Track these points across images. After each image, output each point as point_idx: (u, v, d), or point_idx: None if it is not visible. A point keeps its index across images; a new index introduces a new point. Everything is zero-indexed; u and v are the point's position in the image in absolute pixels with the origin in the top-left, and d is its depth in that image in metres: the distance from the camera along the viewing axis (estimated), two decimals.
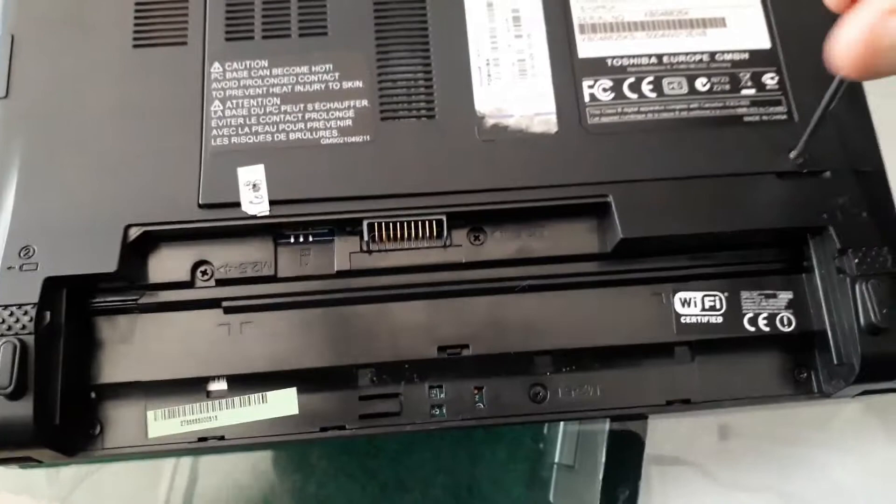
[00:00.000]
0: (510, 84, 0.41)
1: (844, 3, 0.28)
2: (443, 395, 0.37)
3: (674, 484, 0.46)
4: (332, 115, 0.39)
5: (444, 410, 0.37)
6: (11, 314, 0.34)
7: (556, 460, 0.46)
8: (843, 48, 0.27)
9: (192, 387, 0.37)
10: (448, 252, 0.38)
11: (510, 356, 0.38)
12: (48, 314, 0.34)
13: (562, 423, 0.47)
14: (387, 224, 0.37)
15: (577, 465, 0.46)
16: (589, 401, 0.38)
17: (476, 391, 0.38)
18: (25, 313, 0.34)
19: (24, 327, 0.34)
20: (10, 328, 0.34)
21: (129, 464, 0.45)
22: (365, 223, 0.37)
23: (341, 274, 0.38)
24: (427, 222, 0.37)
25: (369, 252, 0.38)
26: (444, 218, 0.37)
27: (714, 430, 0.47)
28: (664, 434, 0.46)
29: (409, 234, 0.37)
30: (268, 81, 0.40)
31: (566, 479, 0.46)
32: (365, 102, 0.39)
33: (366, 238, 0.37)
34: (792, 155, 0.39)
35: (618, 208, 0.37)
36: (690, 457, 0.47)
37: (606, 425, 0.43)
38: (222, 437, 0.36)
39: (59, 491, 0.45)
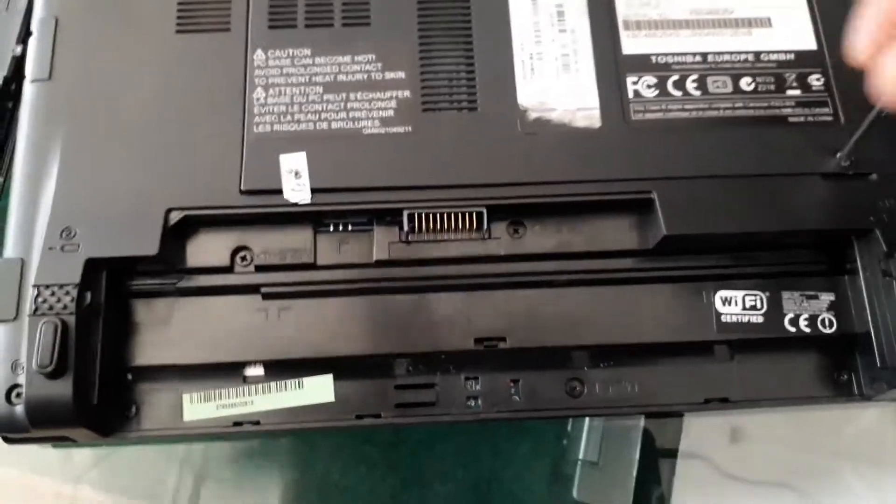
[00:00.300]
0: (553, 78, 0.41)
1: (872, 47, 0.29)
2: (478, 387, 0.37)
3: (687, 479, 0.45)
4: (374, 105, 0.39)
5: (480, 402, 0.37)
6: (53, 294, 0.34)
7: (581, 457, 0.46)
8: (888, 85, 0.28)
9: (228, 371, 0.37)
10: (487, 244, 0.38)
11: (547, 350, 0.37)
12: (89, 295, 0.34)
13: (587, 419, 0.46)
14: (427, 215, 0.37)
15: (602, 461, 0.46)
16: (626, 397, 0.37)
17: (512, 384, 0.37)
18: (67, 293, 0.34)
19: (65, 307, 0.34)
20: (51, 308, 0.34)
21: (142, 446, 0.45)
22: (405, 213, 0.37)
23: (380, 263, 0.38)
24: (467, 214, 0.37)
25: (408, 242, 0.37)
26: (485, 210, 0.37)
27: (726, 431, 0.47)
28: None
29: (449, 225, 0.37)
30: (310, 70, 0.40)
31: (591, 476, 0.45)
32: (407, 93, 0.39)
33: (405, 228, 0.37)
34: (838, 157, 0.38)
35: (661, 205, 0.37)
36: (703, 453, 0.46)
37: (641, 422, 0.43)
38: (257, 423, 0.36)
39: (72, 471, 0.44)
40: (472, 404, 0.37)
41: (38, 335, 0.33)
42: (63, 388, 0.33)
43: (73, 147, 0.37)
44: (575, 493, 0.45)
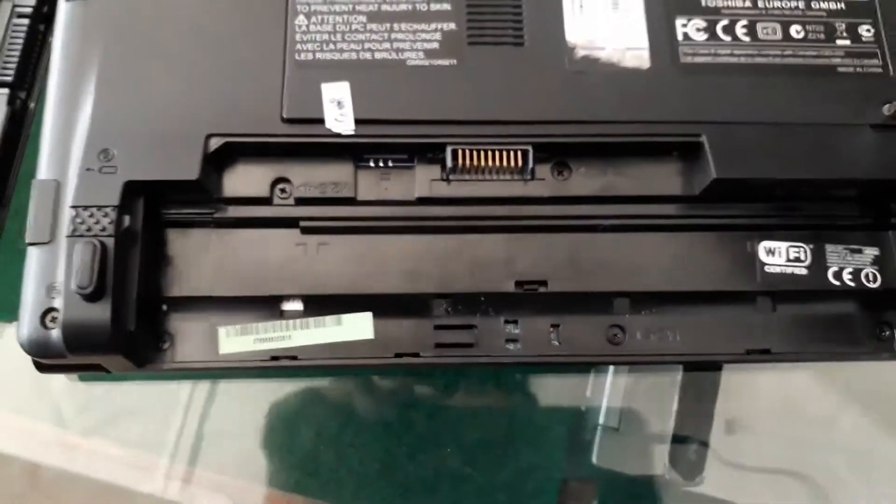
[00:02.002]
0: (602, 16, 0.40)
1: None
2: (518, 330, 0.36)
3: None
4: (419, 36, 0.38)
5: (519, 345, 0.36)
6: (91, 215, 0.33)
7: (601, 422, 0.45)
8: None
9: (265, 305, 0.36)
10: (531, 186, 0.37)
11: (588, 296, 0.37)
12: (127, 218, 0.33)
13: (608, 385, 0.46)
14: (470, 152, 0.36)
15: (623, 427, 0.45)
16: (667, 346, 0.37)
17: (552, 329, 0.37)
18: (105, 215, 0.33)
19: (103, 229, 0.33)
20: (89, 229, 0.33)
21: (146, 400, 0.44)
22: (448, 149, 0.36)
23: (421, 201, 0.37)
24: (512, 152, 0.36)
25: (450, 180, 0.36)
26: (530, 149, 0.36)
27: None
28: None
29: (493, 164, 0.36)
30: None
31: (611, 442, 0.45)
32: (452, 26, 0.38)
33: (448, 165, 0.36)
34: (886, 108, 0.37)
35: (711, 148, 0.36)
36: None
37: (679, 376, 0.42)
38: (295, 357, 0.35)
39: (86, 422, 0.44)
40: (512, 347, 0.36)
41: (76, 256, 0.32)
42: (101, 312, 0.32)
43: (111, 69, 0.36)
44: (594, 459, 0.44)
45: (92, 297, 0.31)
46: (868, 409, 0.46)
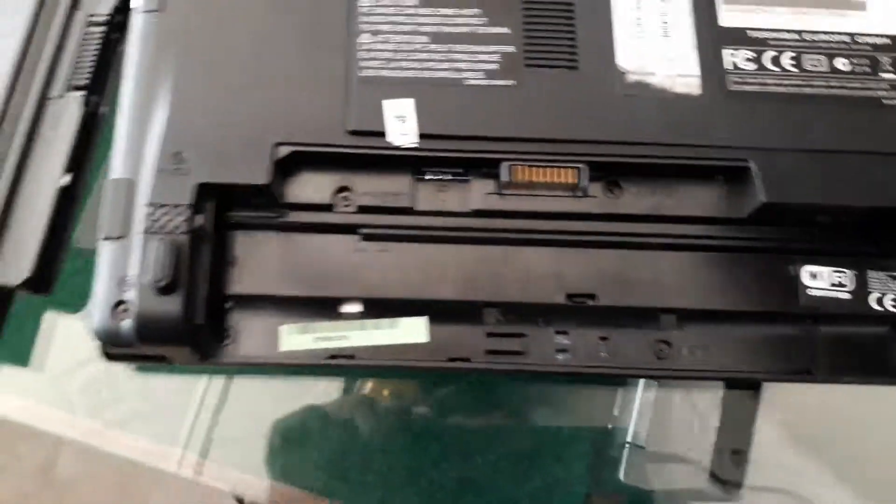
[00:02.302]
0: (652, 44, 0.41)
1: None
2: (567, 341, 0.38)
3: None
4: (478, 57, 0.40)
5: (569, 356, 0.37)
6: (166, 213, 0.35)
7: (629, 440, 0.46)
8: None
9: (324, 306, 0.37)
10: (583, 202, 0.39)
11: (636, 310, 0.38)
12: (199, 217, 0.35)
13: (637, 403, 0.47)
14: (525, 168, 0.37)
15: (650, 444, 0.46)
16: (711, 363, 0.38)
17: (601, 341, 0.38)
18: (179, 214, 0.35)
19: (177, 227, 0.34)
20: (163, 226, 0.34)
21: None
22: (503, 165, 0.37)
23: (476, 213, 0.38)
24: (565, 170, 0.37)
25: (504, 195, 0.38)
26: (583, 168, 0.37)
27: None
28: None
29: (546, 180, 0.38)
30: (416, 20, 0.40)
31: (639, 459, 0.46)
32: (511, 49, 0.40)
33: (503, 180, 0.37)
34: None
35: (759, 173, 0.37)
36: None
37: (711, 393, 0.43)
38: (352, 357, 0.36)
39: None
40: (561, 357, 0.37)
41: (152, 251, 0.33)
42: (173, 305, 0.33)
43: (185, 76, 0.38)
44: (621, 476, 0.45)
45: (165, 290, 0.33)
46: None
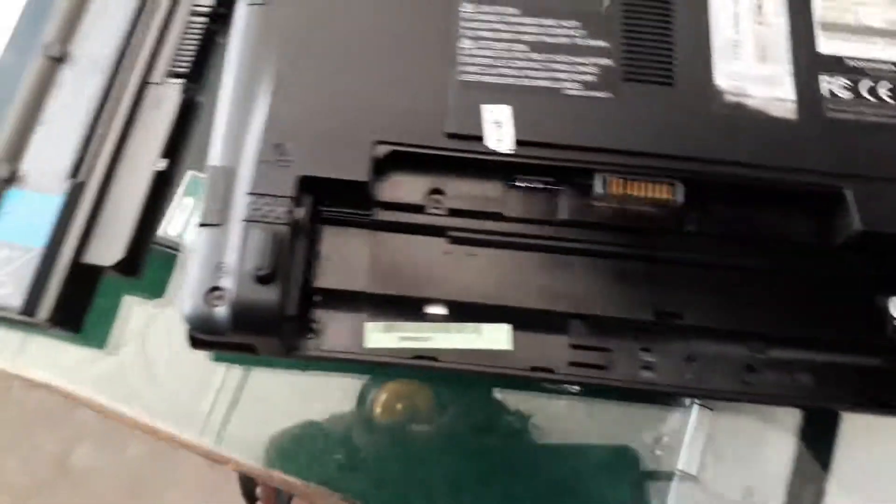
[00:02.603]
0: (749, 66, 0.41)
1: None
2: (652, 358, 0.37)
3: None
4: (576, 68, 0.40)
5: (653, 373, 0.37)
6: (268, 203, 0.35)
7: (680, 468, 0.45)
8: None
9: (410, 306, 0.37)
10: (675, 219, 0.39)
11: (723, 332, 0.38)
12: (300, 210, 0.35)
13: (690, 429, 0.46)
14: (619, 181, 0.37)
15: (701, 475, 0.45)
16: (797, 388, 0.38)
17: (686, 361, 0.37)
18: (281, 205, 0.35)
19: (278, 217, 0.35)
20: (265, 216, 0.35)
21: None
22: (598, 176, 0.37)
23: (566, 223, 0.38)
24: (660, 185, 0.37)
25: (596, 206, 0.38)
26: (677, 184, 0.37)
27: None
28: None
29: (641, 194, 0.37)
30: (517, 28, 0.41)
31: (689, 490, 0.45)
32: (609, 62, 0.40)
33: (597, 191, 0.37)
34: None
35: (856, 201, 0.37)
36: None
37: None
38: (435, 359, 0.36)
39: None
40: (645, 374, 0.37)
41: (254, 239, 0.34)
42: (270, 294, 0.34)
43: (287, 69, 0.38)
44: None
45: (265, 279, 0.33)
46: None
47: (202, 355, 0.44)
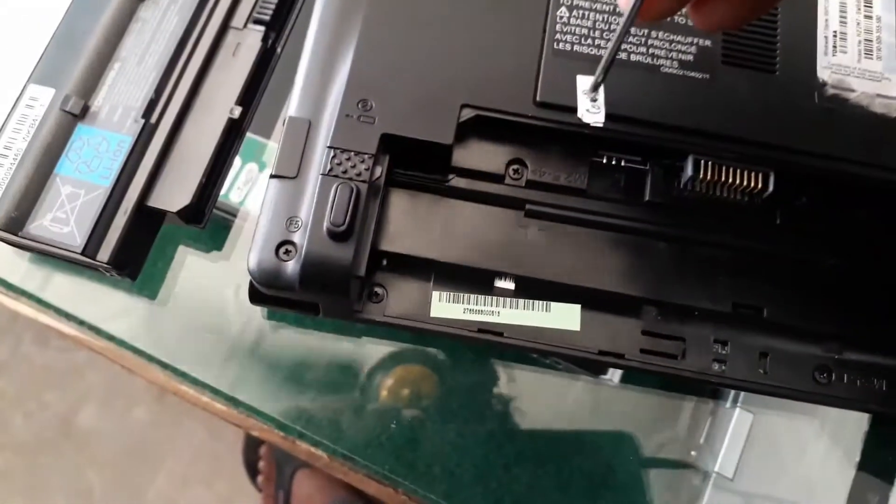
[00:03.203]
0: (854, 60, 0.39)
1: None
2: (726, 351, 0.36)
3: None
4: (675, 46, 0.38)
5: (725, 367, 0.35)
6: (349, 159, 0.34)
7: (716, 470, 0.44)
8: None
9: (479, 278, 0.36)
10: (765, 210, 0.37)
11: (802, 330, 0.36)
12: (380, 168, 0.34)
13: (730, 429, 0.44)
14: (712, 165, 0.35)
15: (738, 479, 0.44)
16: (871, 394, 0.36)
17: (761, 357, 0.36)
18: (362, 161, 0.34)
19: (359, 174, 0.33)
20: (345, 171, 0.33)
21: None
22: (690, 158, 0.35)
23: (649, 205, 0.37)
24: (753, 173, 0.36)
25: (684, 189, 0.36)
26: (772, 174, 0.35)
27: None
28: None
29: (732, 181, 0.36)
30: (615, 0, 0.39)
31: (724, 492, 0.43)
32: (708, 42, 0.38)
33: (688, 174, 0.35)
34: None
35: None
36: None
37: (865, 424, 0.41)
38: (501, 334, 0.35)
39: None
40: (717, 367, 0.36)
41: (334, 195, 0.32)
42: (345, 252, 0.32)
43: (376, 22, 0.37)
44: None
45: (341, 236, 0.32)
46: None
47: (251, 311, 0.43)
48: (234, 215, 0.44)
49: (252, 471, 0.84)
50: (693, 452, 0.44)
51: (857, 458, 0.42)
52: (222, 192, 0.42)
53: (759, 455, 0.44)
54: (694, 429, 0.44)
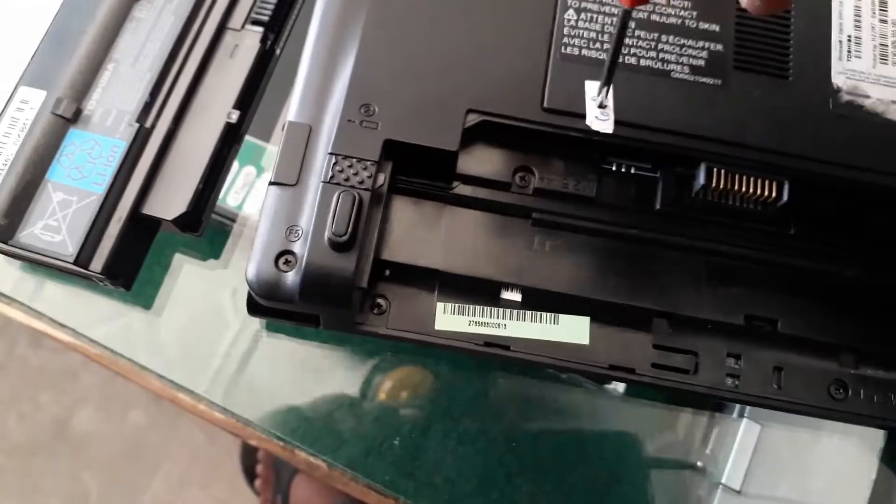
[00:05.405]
0: (869, 65, 0.38)
1: None
2: (739, 366, 0.35)
3: None
4: (685, 51, 0.37)
5: (738, 382, 0.34)
6: (351, 166, 0.32)
7: (723, 481, 0.43)
8: None
9: (485, 289, 0.35)
10: (779, 220, 0.36)
11: (817, 344, 0.35)
12: (383, 176, 0.33)
13: (738, 440, 0.43)
14: (725, 173, 0.34)
15: (746, 490, 0.43)
16: (890, 410, 0.35)
17: (775, 371, 0.35)
18: (365, 168, 0.32)
19: (361, 182, 0.32)
20: (347, 179, 0.32)
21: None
22: (703, 166, 0.34)
23: (660, 214, 0.35)
24: (768, 182, 0.34)
25: (695, 197, 0.35)
26: (787, 183, 0.34)
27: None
28: None
29: (744, 190, 0.35)
30: None
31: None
32: (720, 47, 0.37)
33: (700, 183, 0.34)
34: None
35: None
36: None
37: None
38: (508, 347, 0.34)
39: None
40: (730, 382, 0.34)
41: (335, 203, 0.31)
42: (347, 263, 0.31)
43: (378, 27, 0.36)
44: None
45: (343, 246, 0.31)
46: None
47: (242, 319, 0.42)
48: (232, 220, 0.43)
49: (250, 474, 0.83)
50: (699, 463, 0.43)
51: (869, 472, 0.41)
52: (219, 196, 0.40)
53: (767, 467, 0.43)
54: (699, 439, 0.43)
